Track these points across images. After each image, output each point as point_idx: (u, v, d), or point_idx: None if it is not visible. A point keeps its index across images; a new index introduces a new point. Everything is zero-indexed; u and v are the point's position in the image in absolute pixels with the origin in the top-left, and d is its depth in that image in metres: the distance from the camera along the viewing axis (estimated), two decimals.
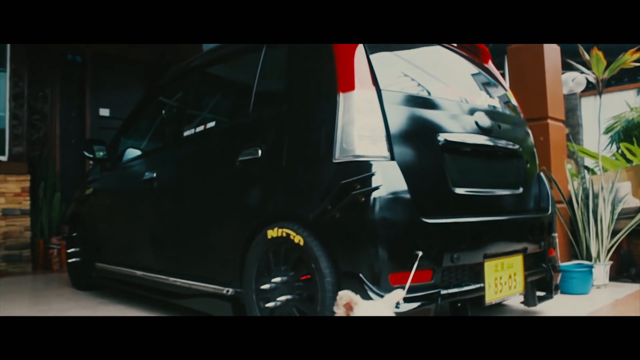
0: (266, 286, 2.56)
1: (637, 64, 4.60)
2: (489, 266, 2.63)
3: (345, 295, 1.84)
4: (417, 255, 2.25)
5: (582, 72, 5.14)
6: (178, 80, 3.92)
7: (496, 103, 3.19)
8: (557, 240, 3.29)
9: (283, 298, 2.49)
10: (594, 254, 4.38)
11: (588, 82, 6.34)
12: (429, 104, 2.68)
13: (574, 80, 6.81)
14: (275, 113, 2.79)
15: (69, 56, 7.28)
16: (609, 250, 4.40)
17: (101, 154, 4.46)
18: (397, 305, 2.04)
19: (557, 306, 3.47)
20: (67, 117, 7.24)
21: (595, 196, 4.43)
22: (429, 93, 2.77)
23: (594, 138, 5.34)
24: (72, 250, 4.84)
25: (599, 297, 3.97)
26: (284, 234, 2.49)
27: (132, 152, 4.26)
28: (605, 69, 4.70)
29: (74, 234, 4.90)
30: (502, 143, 2.96)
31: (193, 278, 3.18)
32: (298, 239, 2.42)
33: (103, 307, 3.98)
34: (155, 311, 3.69)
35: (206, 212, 3.15)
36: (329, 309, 2.14)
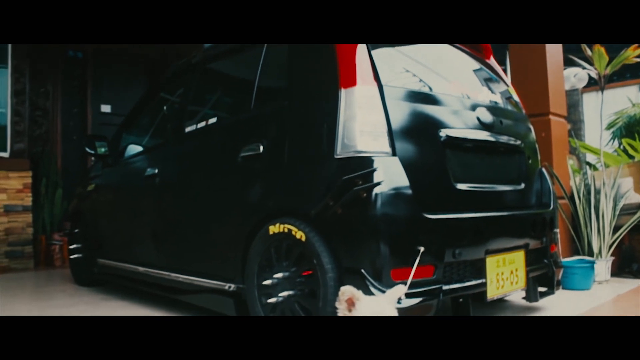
0: (268, 282, 2.56)
1: (639, 60, 4.59)
2: (491, 262, 2.63)
3: (347, 291, 1.84)
4: (419, 250, 2.26)
5: (584, 68, 5.14)
6: (179, 76, 3.91)
7: (498, 99, 3.18)
8: (558, 236, 3.29)
9: (285, 294, 2.50)
10: (595, 249, 4.38)
11: (590, 77, 6.32)
12: (430, 99, 2.67)
13: (576, 76, 6.79)
14: (276, 109, 2.79)
15: (70, 52, 7.27)
16: (610, 246, 4.40)
17: (103, 150, 4.46)
18: (399, 300, 2.04)
19: (559, 302, 3.48)
20: (68, 113, 7.24)
21: (597, 192, 4.43)
22: (431, 89, 2.77)
23: (596, 134, 5.34)
24: (74, 246, 4.85)
25: (601, 292, 3.96)
26: (286, 230, 2.50)
27: (134, 148, 4.26)
28: (607, 64, 4.69)
29: (76, 230, 4.90)
30: (503, 139, 2.96)
31: (195, 274, 3.18)
32: (300, 234, 2.43)
33: (105, 303, 3.99)
34: (157, 307, 3.70)
35: (208, 208, 3.15)
36: (330, 305, 2.15)
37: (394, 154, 2.37)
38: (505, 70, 4.30)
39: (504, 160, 3.05)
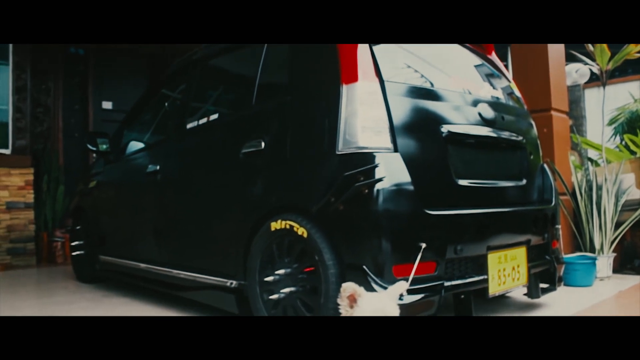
0: (270, 278, 2.56)
1: None
2: (493, 258, 2.63)
3: (348, 287, 1.84)
4: (421, 247, 2.25)
5: (585, 64, 5.14)
6: (181, 73, 3.91)
7: (499, 94, 3.17)
8: (560, 232, 3.29)
9: (287, 290, 2.50)
10: (597, 246, 4.37)
11: (592, 73, 6.32)
12: (432, 95, 2.67)
13: (578, 72, 6.78)
14: (278, 105, 2.79)
15: (72, 49, 7.28)
16: (612, 242, 4.40)
17: (104, 146, 4.46)
18: (401, 297, 2.04)
19: (561, 298, 3.48)
20: (70, 110, 7.24)
21: (599, 188, 4.42)
22: (432, 84, 2.76)
23: (598, 130, 5.32)
24: (76, 243, 4.86)
25: (603, 289, 3.96)
26: (288, 226, 2.50)
27: (135, 145, 4.26)
28: (609, 60, 4.68)
29: (78, 227, 4.91)
30: (505, 134, 2.96)
31: (197, 270, 3.19)
32: (301, 231, 2.43)
33: (107, 299, 3.99)
34: (159, 304, 3.70)
35: (209, 204, 3.15)
36: (332, 301, 2.15)
37: (395, 150, 2.37)
38: (506, 66, 4.30)
39: (505, 156, 3.05)
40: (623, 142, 6.76)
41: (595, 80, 6.68)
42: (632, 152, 5.67)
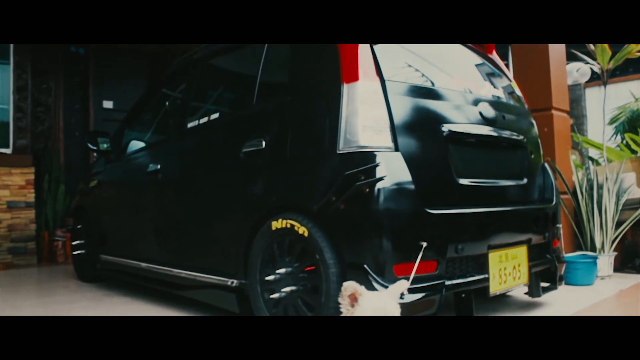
0: (271, 277, 2.56)
1: None
2: (493, 257, 2.63)
3: (349, 286, 1.84)
4: (422, 246, 2.26)
5: (586, 63, 5.13)
6: (181, 72, 3.91)
7: (500, 93, 3.17)
8: (561, 231, 3.29)
9: (288, 289, 2.50)
10: (598, 245, 4.37)
11: (593, 72, 6.32)
12: (433, 94, 2.67)
13: (579, 71, 6.78)
14: (278, 104, 2.79)
15: (72, 48, 7.28)
16: (613, 241, 4.40)
17: (105, 146, 4.46)
18: (402, 296, 2.04)
19: (561, 297, 3.48)
20: (70, 109, 7.24)
21: (600, 187, 4.42)
22: (433, 84, 2.76)
23: (599, 129, 5.32)
24: (77, 242, 4.86)
25: (603, 288, 3.96)
26: (288, 225, 2.50)
27: (136, 144, 4.26)
28: (610, 59, 4.68)
29: (79, 226, 4.91)
30: (506, 134, 2.95)
31: (197, 270, 3.19)
32: (302, 230, 2.43)
33: (108, 299, 4.00)
34: (160, 303, 3.70)
35: (210, 203, 3.16)
36: (333, 300, 2.15)
37: (396, 149, 2.37)
38: (507, 65, 4.29)
39: (506, 155, 3.05)
40: (624, 141, 6.76)
41: (596, 79, 6.68)
42: (633, 151, 5.66)
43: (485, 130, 2.81)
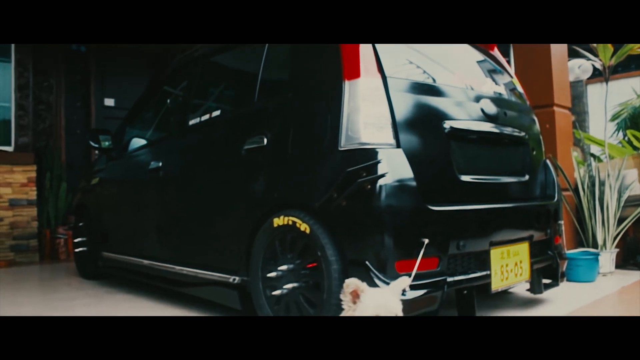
0: (273, 274, 2.57)
1: None
2: (495, 254, 2.63)
3: (351, 283, 1.84)
4: (423, 242, 2.26)
5: (588, 59, 5.11)
6: (183, 70, 3.91)
7: (502, 90, 3.17)
8: (563, 227, 3.29)
9: (289, 286, 2.50)
10: (600, 241, 4.37)
11: (594, 69, 6.29)
12: (434, 91, 2.67)
13: (581, 67, 6.75)
14: (280, 101, 2.79)
15: (74, 46, 7.28)
16: (615, 238, 4.39)
17: (107, 143, 4.47)
18: (404, 292, 2.03)
19: (563, 294, 3.48)
20: (72, 107, 7.25)
21: (602, 184, 4.42)
22: (435, 80, 2.76)
23: (600, 125, 5.31)
24: (79, 239, 4.87)
25: (605, 284, 3.96)
26: (290, 222, 2.50)
27: (138, 142, 4.27)
28: (612, 55, 4.67)
29: (81, 224, 4.92)
30: (508, 130, 2.95)
31: (199, 267, 3.19)
32: (304, 227, 2.43)
33: (109, 296, 4.00)
34: (162, 300, 3.71)
35: (212, 200, 3.16)
36: (335, 297, 2.15)
37: (398, 145, 2.37)
38: (509, 62, 4.29)
39: (508, 151, 3.05)
40: (626, 138, 6.74)
41: (598, 75, 6.65)
42: (635, 148, 5.66)
43: (487, 126, 2.80)
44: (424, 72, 2.79)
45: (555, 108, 4.71)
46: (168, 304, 3.57)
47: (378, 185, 2.26)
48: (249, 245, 2.75)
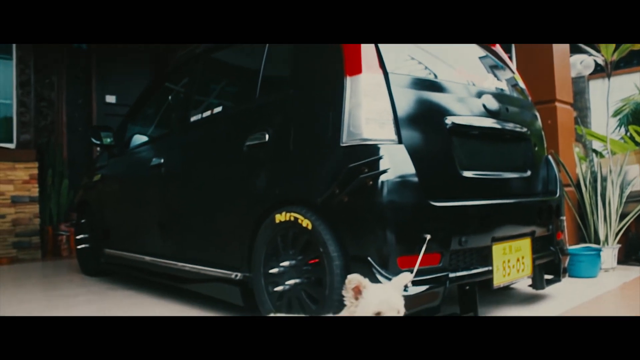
0: (275, 270, 2.57)
1: None
2: (497, 249, 2.63)
3: (353, 279, 1.84)
4: (425, 238, 2.25)
5: (590, 55, 5.10)
6: (184, 66, 3.91)
7: (504, 86, 3.17)
8: (565, 223, 3.29)
9: (291, 282, 2.51)
10: (602, 237, 4.37)
11: (596, 64, 6.29)
12: (436, 87, 2.66)
13: (582, 63, 6.75)
14: (282, 98, 2.79)
15: (75, 44, 7.27)
16: (617, 234, 4.39)
17: (108, 140, 4.47)
18: (406, 288, 2.04)
19: (565, 290, 3.48)
20: (73, 104, 7.25)
21: (604, 179, 4.41)
22: (436, 76, 2.76)
23: (602, 121, 5.30)
24: (81, 236, 4.88)
25: (607, 280, 3.96)
26: (292, 218, 2.50)
27: (139, 138, 4.27)
28: (614, 51, 4.66)
29: (83, 221, 4.93)
30: (509, 126, 2.95)
31: (201, 263, 3.19)
32: (306, 223, 2.43)
33: (112, 292, 4.01)
34: (164, 297, 3.72)
35: (214, 197, 3.16)
36: (337, 293, 2.15)
37: (399, 141, 2.37)
38: (511, 57, 4.28)
39: (510, 147, 3.04)
40: (628, 134, 6.73)
41: (599, 71, 6.65)
42: (637, 144, 5.64)
43: (489, 122, 2.80)
44: (426, 67, 2.79)
45: (557, 104, 4.70)
46: (170, 301, 3.58)
47: (380, 181, 2.25)
48: (251, 242, 2.75)
